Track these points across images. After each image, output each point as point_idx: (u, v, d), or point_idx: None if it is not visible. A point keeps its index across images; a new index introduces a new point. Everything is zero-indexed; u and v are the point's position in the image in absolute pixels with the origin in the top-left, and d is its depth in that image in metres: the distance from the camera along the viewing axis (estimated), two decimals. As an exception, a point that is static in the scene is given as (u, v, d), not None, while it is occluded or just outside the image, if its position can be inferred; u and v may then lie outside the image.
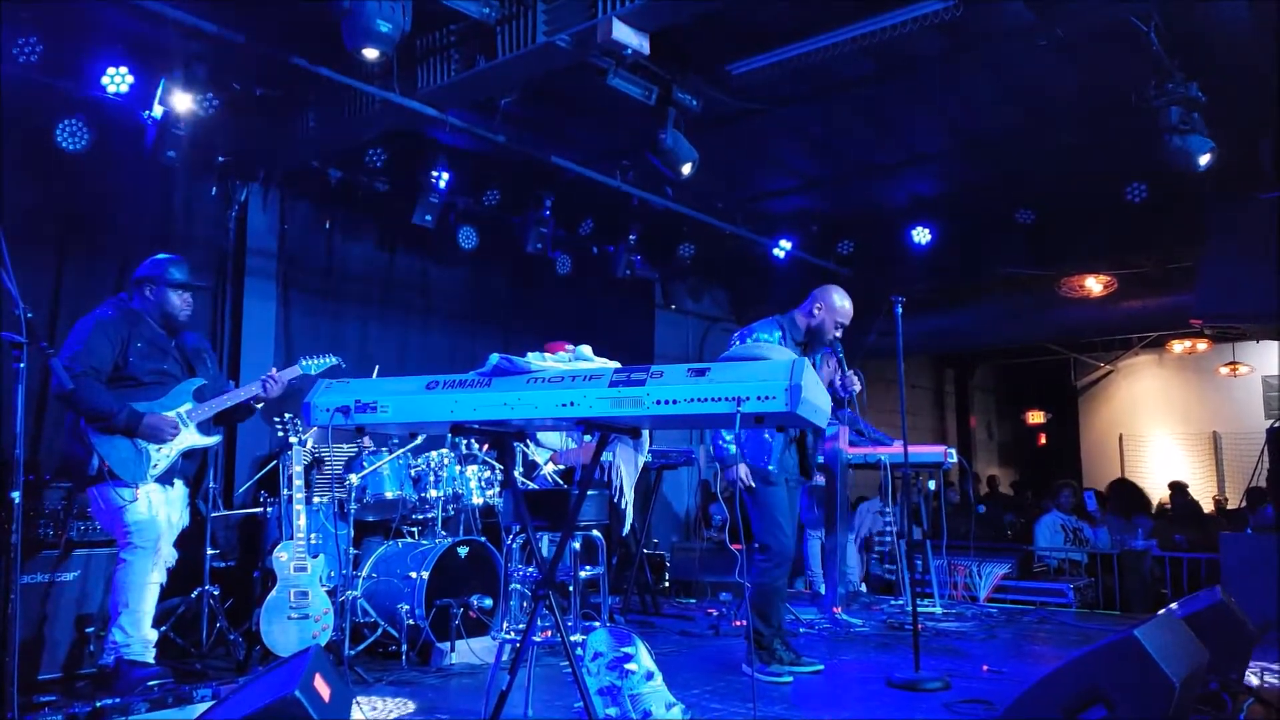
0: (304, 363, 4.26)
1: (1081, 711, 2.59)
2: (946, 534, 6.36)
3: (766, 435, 4.21)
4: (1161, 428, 12.39)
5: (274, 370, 4.10)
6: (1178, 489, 9.60)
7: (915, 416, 11.63)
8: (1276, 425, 5.80)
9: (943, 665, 4.26)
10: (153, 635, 3.73)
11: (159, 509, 3.74)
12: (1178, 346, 11.29)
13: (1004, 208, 7.57)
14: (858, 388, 4.40)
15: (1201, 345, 11.15)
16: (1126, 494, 8.88)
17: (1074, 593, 6.68)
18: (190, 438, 3.85)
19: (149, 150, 5.14)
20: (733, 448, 4.18)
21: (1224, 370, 11.47)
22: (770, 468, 4.21)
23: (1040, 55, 5.28)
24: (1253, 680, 3.49)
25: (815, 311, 4.34)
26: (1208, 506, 10.26)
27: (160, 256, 4.02)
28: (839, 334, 4.33)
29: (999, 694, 3.64)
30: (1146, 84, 5.13)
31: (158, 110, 5.06)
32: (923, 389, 12.55)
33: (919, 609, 4.61)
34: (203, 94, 5.14)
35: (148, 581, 3.68)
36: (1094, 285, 8.35)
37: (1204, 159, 5.19)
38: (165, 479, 3.79)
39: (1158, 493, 10.21)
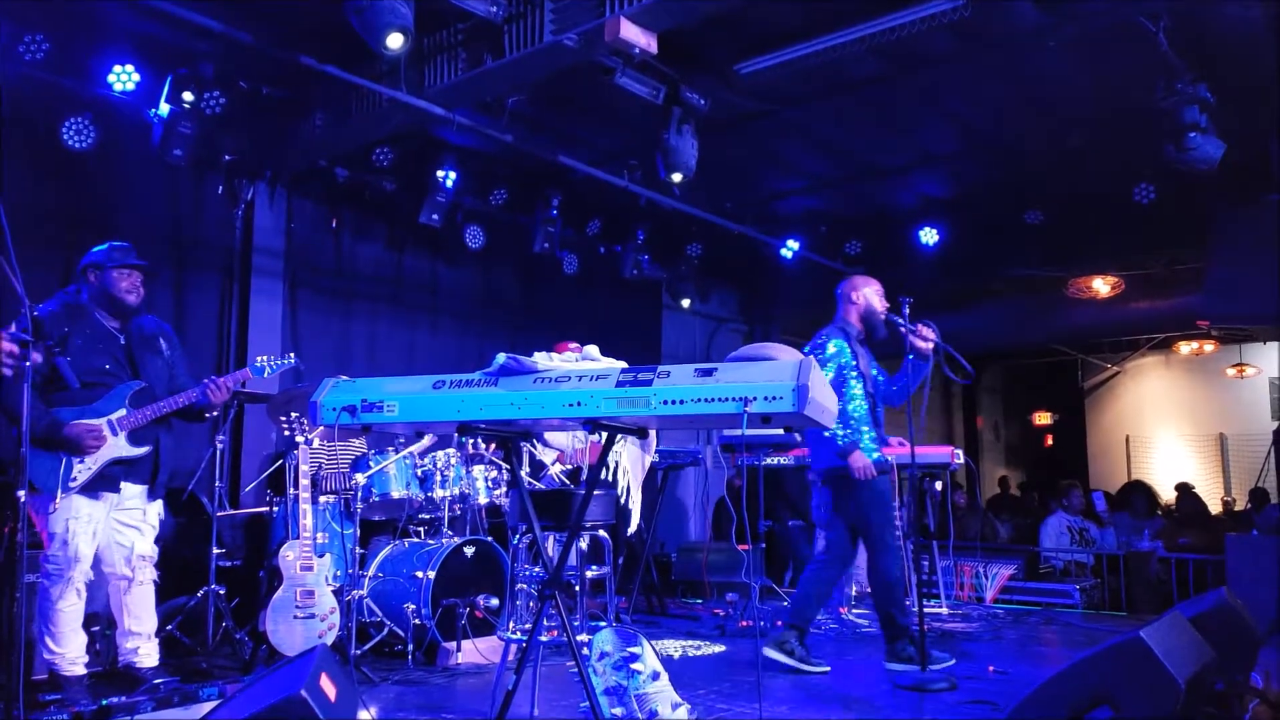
0: (257, 362, 3.97)
1: (1088, 712, 2.58)
2: (953, 534, 6.35)
3: (860, 421, 4.18)
4: (1168, 429, 12.34)
5: (217, 376, 3.82)
6: (1184, 490, 9.56)
7: (922, 417, 11.59)
8: (1284, 427, 5.76)
9: (949, 666, 4.24)
10: (80, 653, 3.55)
11: (81, 526, 3.50)
12: (1185, 348, 11.23)
13: (1012, 208, 7.55)
14: (933, 336, 4.22)
15: (1209, 347, 11.10)
16: (1145, 496, 8.86)
17: (1080, 594, 6.65)
18: (117, 447, 3.57)
19: (155, 149, 5.15)
20: (846, 436, 4.14)
21: (1231, 372, 11.41)
22: (878, 457, 4.21)
23: (1049, 56, 5.27)
24: (1258, 681, 3.47)
25: (855, 299, 4.35)
26: (1214, 508, 10.21)
27: (107, 243, 3.79)
28: (886, 305, 4.33)
29: (1005, 695, 3.62)
30: (1155, 85, 5.11)
31: (164, 109, 5.06)
32: (930, 389, 12.51)
33: (925, 609, 4.60)
34: (209, 93, 5.15)
35: (59, 608, 3.49)
36: (1101, 286, 8.32)
37: (1215, 160, 5.17)
38: (92, 491, 3.54)
39: (1164, 494, 10.16)
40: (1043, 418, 13.07)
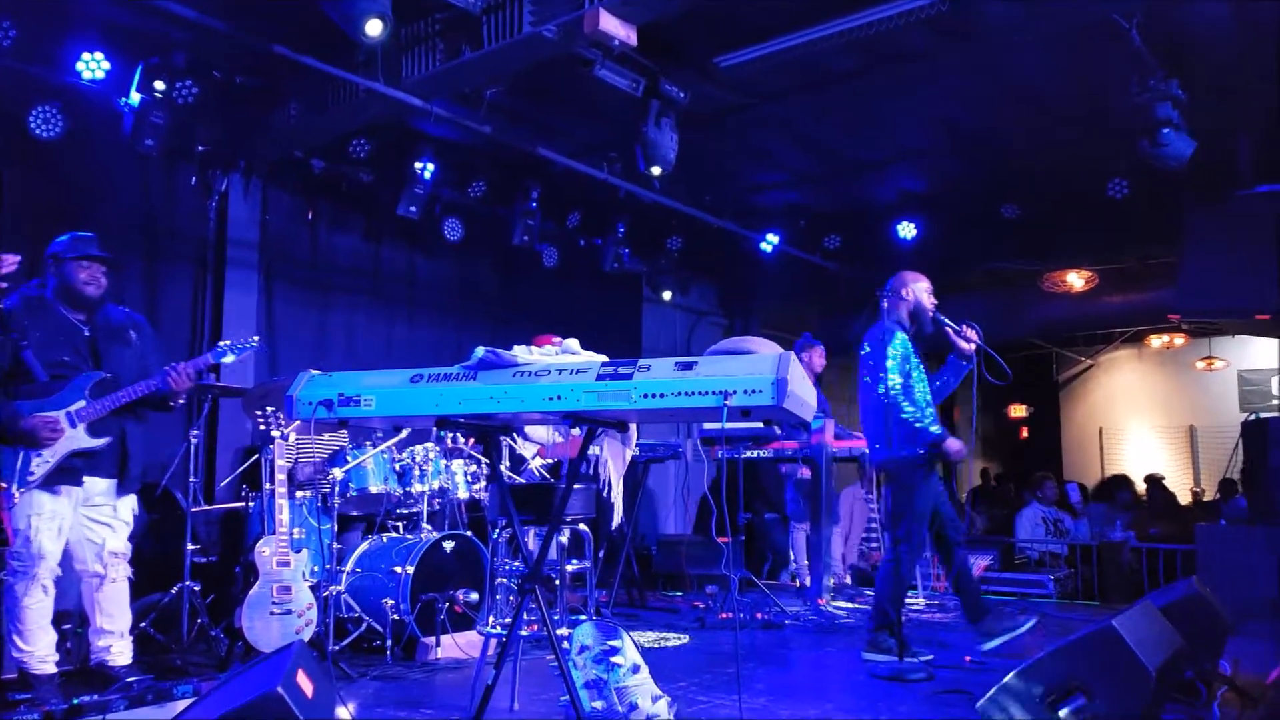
0: (220, 346, 3.89)
1: (1062, 700, 2.62)
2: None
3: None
4: (1140, 421, 12.51)
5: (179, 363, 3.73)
6: (1153, 482, 9.71)
7: (898, 410, 11.67)
8: (1251, 419, 5.86)
9: (927, 660, 4.28)
10: (49, 651, 3.50)
11: (44, 522, 3.46)
12: (1156, 341, 11.39)
13: (989, 203, 7.60)
14: (975, 337, 4.31)
15: (1179, 340, 11.26)
16: (1128, 489, 8.99)
17: (1054, 584, 6.74)
18: (76, 439, 3.51)
19: (126, 139, 5.07)
20: (934, 426, 4.15)
21: (1200, 365, 11.59)
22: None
23: (1025, 52, 5.31)
24: (1227, 669, 3.53)
25: (905, 295, 4.39)
26: (1184, 499, 10.38)
27: (70, 234, 3.74)
28: (935, 302, 4.39)
29: (981, 685, 3.65)
30: (1129, 81, 5.16)
31: (135, 98, 4.98)
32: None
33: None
34: (182, 82, 5.07)
35: (26, 605, 3.45)
36: (1076, 280, 8.41)
37: (1184, 158, 5.24)
38: (52, 485, 3.48)
39: (1136, 486, 10.32)
40: (1018, 410, 13.22)
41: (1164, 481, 9.90)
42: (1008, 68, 5.58)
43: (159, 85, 4.99)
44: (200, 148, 5.82)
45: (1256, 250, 6.20)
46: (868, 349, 4.31)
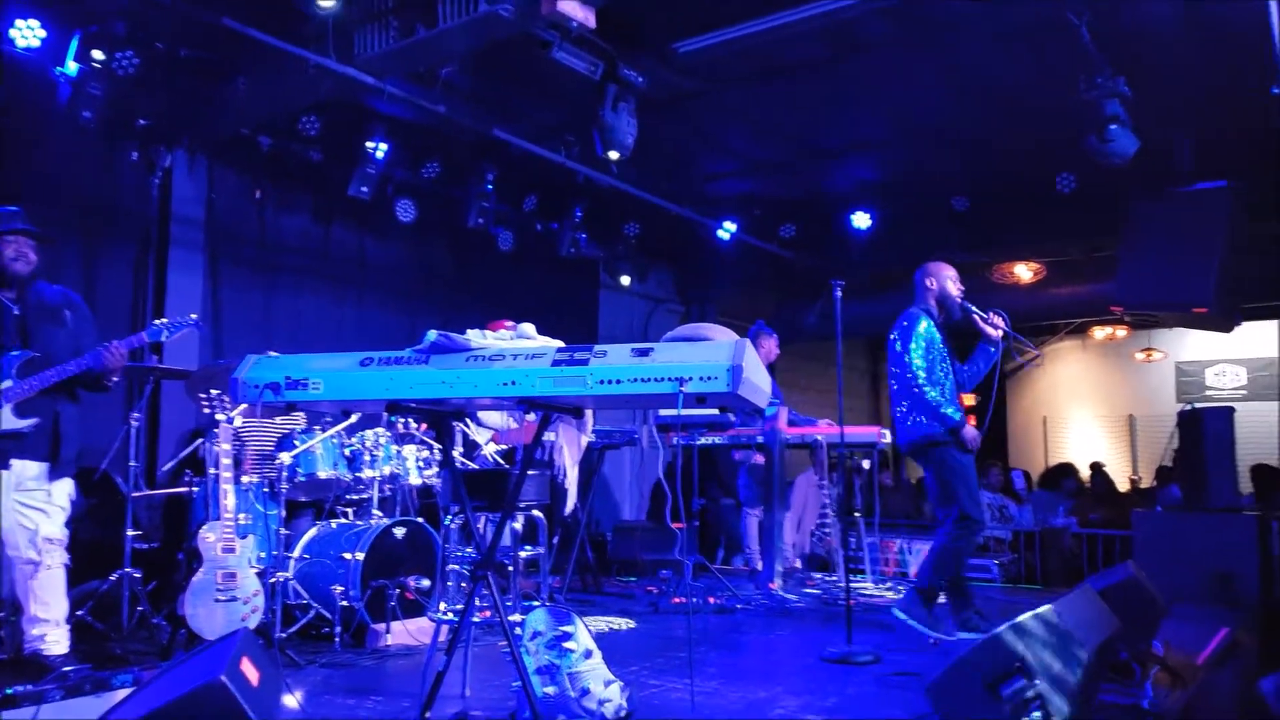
0: (156, 324, 3.79)
1: (1004, 681, 2.68)
2: (879, 512, 6.50)
3: (949, 389, 4.29)
4: (1083, 411, 12.85)
5: (112, 342, 3.65)
6: (1096, 469, 9.99)
7: (851, 398, 11.83)
8: (1187, 409, 6.05)
9: (875, 639, 4.35)
10: None
11: None
12: (1099, 333, 11.69)
13: (942, 195, 7.72)
14: (1002, 324, 4.42)
15: (1121, 332, 11.57)
16: (1075, 478, 9.23)
17: (999, 568, 6.90)
18: (3, 421, 3.43)
19: (63, 110, 4.88)
20: (955, 411, 4.25)
21: (1140, 356, 11.93)
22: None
23: (980, 46, 5.38)
24: (1160, 649, 3.65)
25: (930, 284, 4.49)
26: (1123, 486, 10.69)
27: None
28: (962, 289, 4.48)
29: (927, 666, 3.73)
30: (1078, 78, 5.26)
31: (72, 68, 4.80)
32: (859, 371, 12.78)
33: (852, 584, 4.72)
34: (122, 53, 4.90)
35: None
36: (1024, 272, 8.59)
37: (1128, 155, 5.36)
38: None
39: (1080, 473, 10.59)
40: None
41: (1105, 469, 10.20)
42: (962, 62, 5.65)
43: (97, 55, 4.81)
44: (142, 122, 5.63)
45: (1194, 246, 6.38)
46: (895, 335, 4.41)
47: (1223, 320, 6.89)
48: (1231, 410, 5.93)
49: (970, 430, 4.33)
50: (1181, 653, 3.79)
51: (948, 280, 4.49)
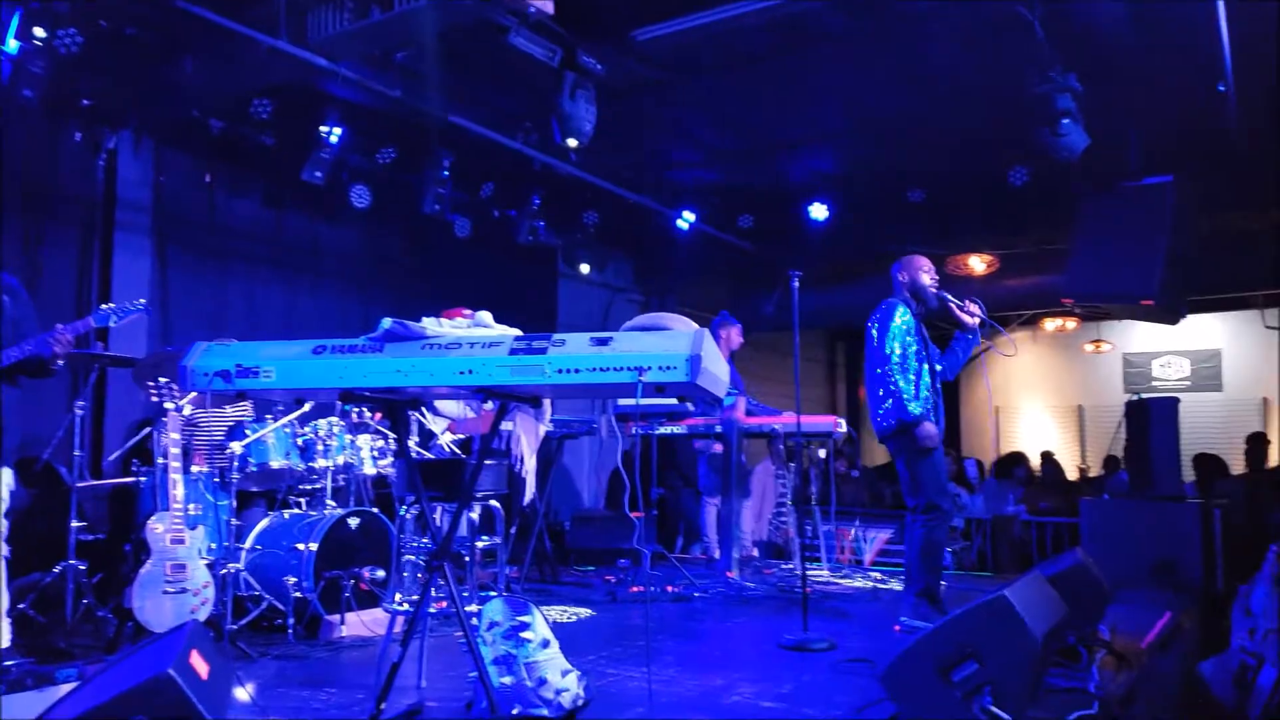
0: (101, 309, 3.67)
1: (956, 666, 2.73)
2: (835, 500, 6.58)
3: (924, 378, 4.32)
4: (1033, 401, 13.12)
5: (59, 326, 3.50)
6: (1047, 458, 10.21)
7: (808, 387, 11.96)
8: (1134, 399, 6.20)
9: (831, 627, 4.41)
10: None
11: None
12: (1050, 324, 11.92)
13: (897, 187, 7.79)
14: (978, 312, 4.49)
15: (1071, 324, 11.82)
16: (1020, 465, 9.41)
17: (951, 556, 7.02)
18: None
19: (3, 89, 4.72)
20: (915, 407, 4.24)
21: (1089, 347, 12.21)
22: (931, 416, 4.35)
23: (935, 39, 5.43)
24: (1105, 633, 3.75)
25: (902, 277, 4.54)
26: (1072, 475, 10.94)
27: None
28: (936, 280, 4.54)
29: (881, 653, 3.79)
30: (1032, 72, 5.34)
31: (12, 45, 4.64)
32: (816, 361, 12.91)
33: (808, 572, 4.76)
34: (65, 30, 4.74)
35: None
36: (977, 264, 8.72)
37: (1077, 151, 5.47)
38: None
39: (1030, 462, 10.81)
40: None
41: (1054, 458, 10.43)
42: (919, 55, 5.70)
43: (39, 33, 4.66)
44: (86, 102, 5.46)
45: (1141, 239, 6.52)
46: (871, 324, 4.45)
47: (1169, 312, 7.06)
48: (1176, 400, 6.10)
49: (927, 427, 4.35)
50: (1126, 637, 3.90)
51: (920, 272, 4.53)
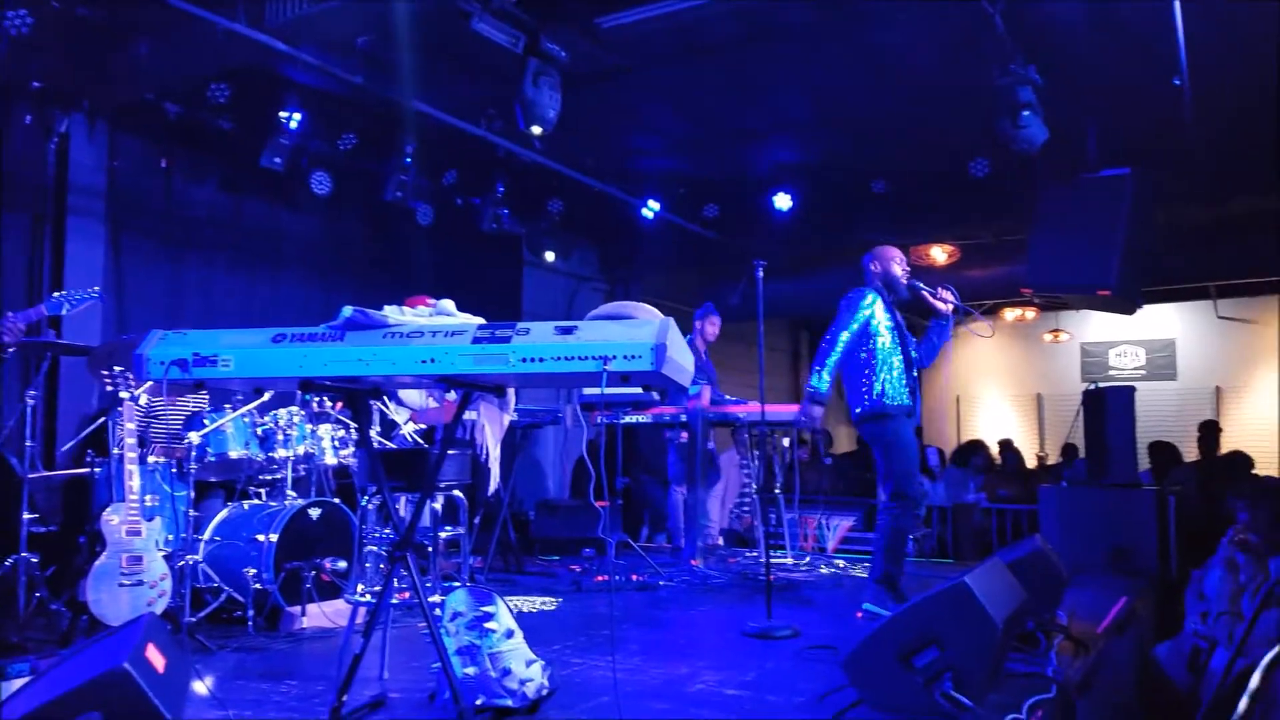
0: (54, 297, 3.63)
1: (918, 652, 2.77)
2: (799, 488, 6.63)
3: (897, 366, 4.30)
4: (993, 390, 13.34)
5: (9, 314, 3.52)
6: (1006, 446, 10.38)
7: (772, 377, 12.03)
8: (1091, 389, 6.32)
9: (794, 614, 4.45)
10: None
11: None
12: (1010, 314, 12.12)
13: (861, 177, 7.84)
14: (952, 299, 4.51)
15: (1030, 314, 12.01)
16: (984, 454, 9.55)
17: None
18: None
19: (-52, 69, 4.58)
20: (821, 384, 4.22)
21: (1048, 337, 12.43)
22: (906, 403, 4.32)
23: (897, 30, 5.47)
24: (1063, 619, 3.83)
25: (874, 268, 4.55)
26: (1031, 463, 11.15)
27: None
28: (908, 270, 4.55)
29: (844, 640, 3.83)
30: (992, 64, 5.40)
31: (-42, 25, 4.49)
32: (780, 351, 12.99)
33: (772, 560, 4.80)
34: (14, 11, 4.60)
35: None
36: (939, 255, 8.82)
37: (1037, 144, 5.55)
38: None
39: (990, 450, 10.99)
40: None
41: (1014, 446, 10.61)
42: (881, 45, 5.73)
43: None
44: (36, 84, 5.31)
45: (1098, 230, 6.64)
46: (842, 304, 4.44)
47: (1125, 302, 7.19)
48: (1132, 389, 6.24)
49: (813, 410, 4.32)
50: (1084, 622, 3.99)
51: (891, 263, 4.56)
